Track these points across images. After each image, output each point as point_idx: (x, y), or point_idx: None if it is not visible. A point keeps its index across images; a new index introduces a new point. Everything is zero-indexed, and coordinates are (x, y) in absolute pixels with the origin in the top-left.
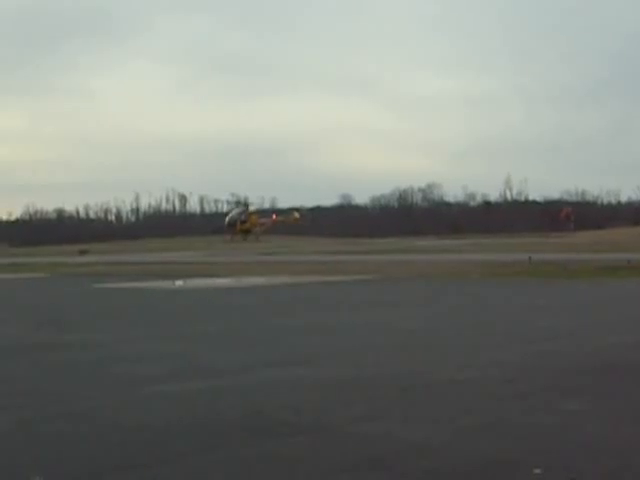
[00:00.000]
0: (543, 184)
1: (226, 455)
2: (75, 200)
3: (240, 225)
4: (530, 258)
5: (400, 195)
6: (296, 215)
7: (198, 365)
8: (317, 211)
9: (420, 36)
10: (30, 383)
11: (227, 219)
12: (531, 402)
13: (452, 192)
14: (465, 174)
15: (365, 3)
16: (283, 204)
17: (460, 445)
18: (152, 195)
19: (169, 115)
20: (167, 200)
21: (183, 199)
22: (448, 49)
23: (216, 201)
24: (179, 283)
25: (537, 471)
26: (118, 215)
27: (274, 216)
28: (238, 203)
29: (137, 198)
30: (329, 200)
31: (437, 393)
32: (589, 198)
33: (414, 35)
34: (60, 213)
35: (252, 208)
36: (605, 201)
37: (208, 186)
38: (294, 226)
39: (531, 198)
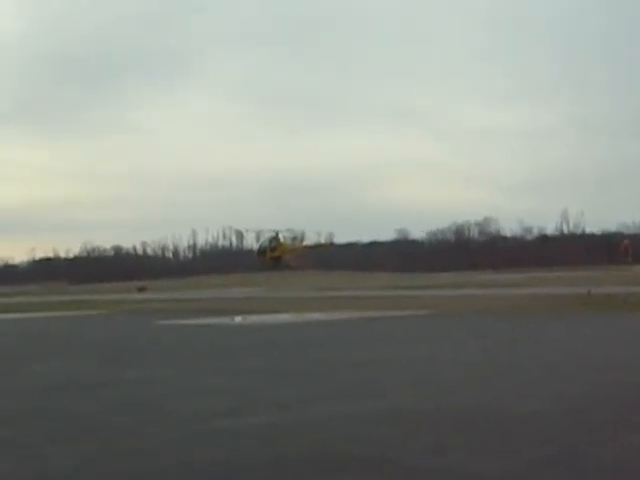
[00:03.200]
0: (600, 216)
1: None
2: (132, 237)
3: (270, 253)
4: (589, 291)
5: (456, 229)
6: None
7: (261, 400)
8: (374, 246)
9: (474, 68)
10: (94, 419)
11: (257, 248)
12: (596, 435)
13: (508, 226)
14: (521, 207)
15: (419, 35)
16: (339, 239)
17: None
18: (209, 231)
19: (226, 151)
20: (224, 236)
21: (240, 235)
22: (503, 81)
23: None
24: (238, 319)
25: None
26: (175, 251)
27: (303, 243)
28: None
29: (194, 234)
30: (385, 235)
31: (502, 426)
32: None
33: (469, 67)
34: (118, 250)
35: (282, 236)
36: None
37: (264, 222)
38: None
39: (588, 231)
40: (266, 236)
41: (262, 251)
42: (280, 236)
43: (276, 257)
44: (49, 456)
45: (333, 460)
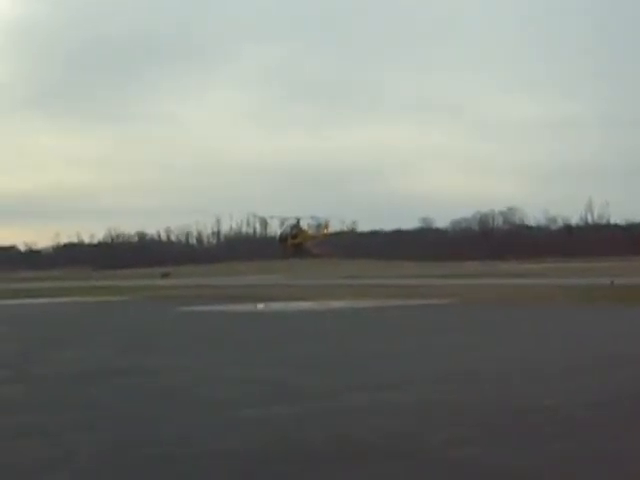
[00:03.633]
0: (625, 207)
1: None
2: (156, 223)
3: (291, 240)
4: (612, 282)
5: (481, 218)
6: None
7: (285, 389)
8: (397, 234)
9: (503, 61)
10: (119, 407)
11: (278, 235)
12: (615, 430)
13: (533, 215)
14: (546, 197)
15: (448, 28)
16: (363, 227)
17: (551, 471)
18: (233, 218)
19: (251, 139)
20: (248, 223)
21: (263, 222)
22: (529, 71)
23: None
24: (261, 307)
25: None
26: (199, 238)
27: (325, 230)
28: (293, 223)
29: (218, 221)
30: (409, 223)
31: (524, 418)
32: None
33: (497, 60)
34: (142, 236)
35: (306, 224)
36: None
37: (288, 210)
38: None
39: (613, 222)
40: (289, 223)
41: (283, 238)
42: (301, 223)
43: (297, 244)
44: (80, 442)
45: (358, 450)
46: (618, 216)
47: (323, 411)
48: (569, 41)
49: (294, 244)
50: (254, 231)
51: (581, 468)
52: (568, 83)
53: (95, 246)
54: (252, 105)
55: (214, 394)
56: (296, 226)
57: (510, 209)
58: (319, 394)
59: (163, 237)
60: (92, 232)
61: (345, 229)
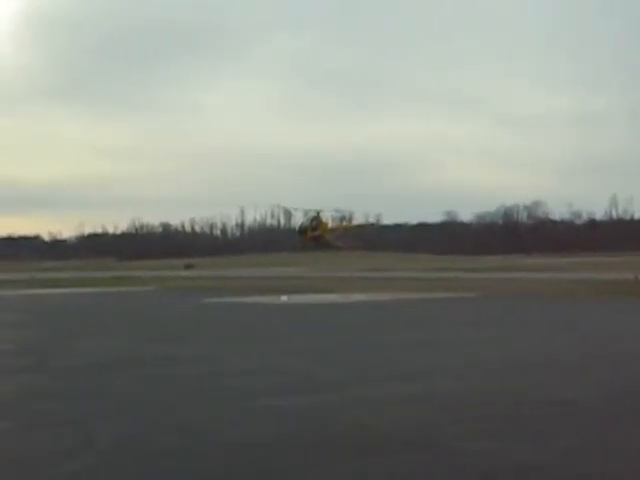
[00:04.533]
0: None
1: (337, 470)
2: (181, 214)
3: (311, 232)
4: (637, 277)
5: (505, 212)
6: (369, 222)
7: (306, 380)
8: (421, 227)
9: (529, 53)
10: (143, 396)
11: (298, 227)
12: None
13: (557, 210)
14: (571, 192)
15: (474, 20)
16: (387, 220)
17: (568, 465)
18: (257, 210)
19: (276, 130)
20: (272, 215)
21: (288, 214)
22: (554, 66)
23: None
24: (284, 299)
25: None
26: (223, 230)
27: (348, 223)
28: (313, 215)
29: (242, 213)
30: (434, 217)
31: (544, 411)
32: None
33: (524, 52)
34: (166, 227)
35: (323, 216)
36: None
37: (313, 201)
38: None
39: (637, 216)
40: (309, 216)
41: (303, 230)
42: (322, 215)
43: (317, 236)
44: (111, 430)
45: (375, 441)
46: None
47: (343, 401)
48: (596, 35)
49: (314, 236)
50: (278, 223)
51: None
52: (595, 77)
53: (119, 236)
54: (279, 95)
55: (239, 384)
56: (316, 218)
57: (534, 203)
58: (341, 385)
59: (187, 228)
60: (116, 222)
61: (369, 222)
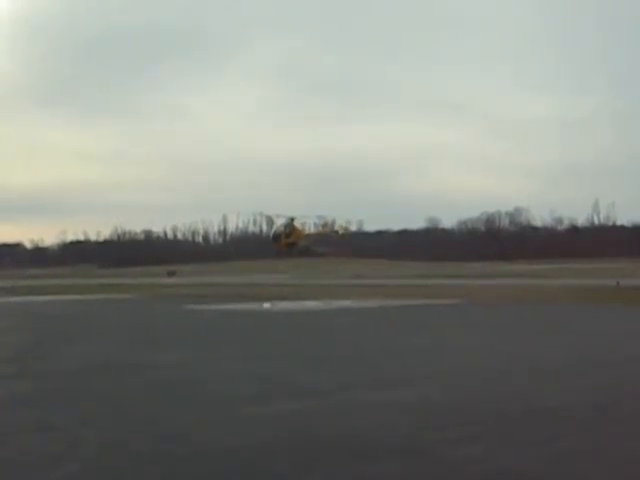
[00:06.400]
0: (631, 209)
1: (322, 477)
2: (163, 221)
3: (285, 238)
4: (618, 283)
5: (487, 219)
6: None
7: (291, 386)
8: (404, 234)
9: (513, 59)
10: (125, 402)
11: (272, 233)
12: (622, 428)
13: (539, 216)
14: (552, 198)
15: (459, 27)
16: (370, 227)
17: (556, 471)
18: (240, 217)
19: (258, 137)
20: (254, 222)
21: (270, 221)
22: (536, 71)
23: (303, 223)
24: (267, 306)
25: None
26: (206, 236)
27: (320, 228)
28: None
29: (225, 220)
30: (416, 223)
31: (531, 417)
32: None
33: (507, 59)
34: (148, 234)
35: (297, 222)
36: None
37: (296, 208)
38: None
39: (619, 223)
40: (282, 222)
41: (277, 237)
42: (300, 222)
43: (291, 243)
44: (91, 438)
45: (362, 449)
46: (624, 217)
47: (329, 407)
48: (585, 40)
49: (288, 243)
50: (260, 230)
51: None
52: (577, 82)
53: (101, 244)
54: (263, 102)
55: (223, 390)
56: (289, 225)
57: (516, 209)
58: (327, 391)
59: (169, 235)
60: (98, 229)
61: (343, 226)
